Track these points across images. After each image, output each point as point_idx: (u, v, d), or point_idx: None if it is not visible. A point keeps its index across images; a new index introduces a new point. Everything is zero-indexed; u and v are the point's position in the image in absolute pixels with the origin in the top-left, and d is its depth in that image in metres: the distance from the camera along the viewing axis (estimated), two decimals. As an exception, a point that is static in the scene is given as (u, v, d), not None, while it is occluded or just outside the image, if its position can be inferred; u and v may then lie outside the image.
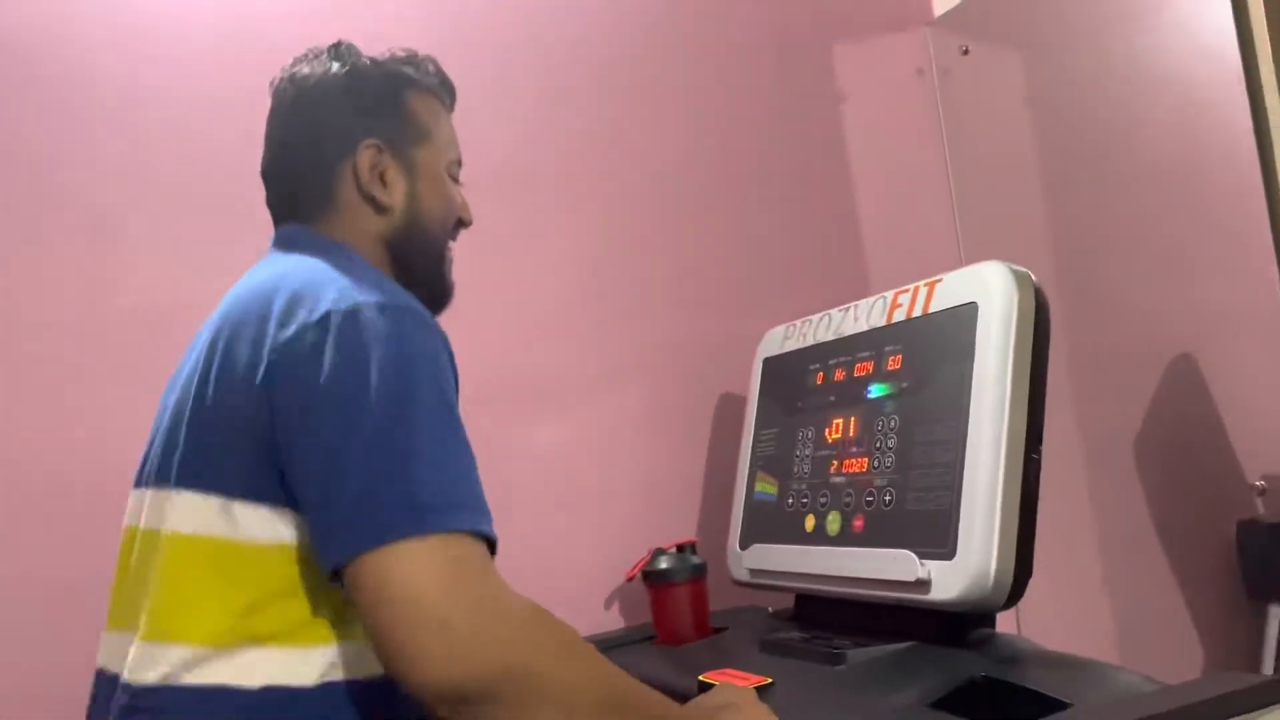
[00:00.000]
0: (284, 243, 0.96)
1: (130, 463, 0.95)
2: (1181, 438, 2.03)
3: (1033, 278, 1.00)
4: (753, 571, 1.28)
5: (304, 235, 0.95)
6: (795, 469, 1.25)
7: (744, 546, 1.31)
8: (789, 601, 1.31)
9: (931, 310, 1.08)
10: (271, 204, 1.00)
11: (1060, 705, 0.84)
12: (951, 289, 1.06)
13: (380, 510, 0.73)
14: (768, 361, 1.37)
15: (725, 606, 1.43)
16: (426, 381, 0.79)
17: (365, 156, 0.95)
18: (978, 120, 1.86)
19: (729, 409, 1.64)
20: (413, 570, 0.71)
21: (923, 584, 0.99)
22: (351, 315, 0.79)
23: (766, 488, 1.30)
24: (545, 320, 1.57)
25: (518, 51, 1.59)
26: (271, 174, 0.99)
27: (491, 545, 0.77)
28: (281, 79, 0.99)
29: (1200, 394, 2.07)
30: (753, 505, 1.32)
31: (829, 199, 1.80)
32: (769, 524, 1.27)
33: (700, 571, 1.37)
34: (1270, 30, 1.19)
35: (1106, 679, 0.89)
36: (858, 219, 1.81)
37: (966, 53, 1.81)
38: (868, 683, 0.97)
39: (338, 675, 0.80)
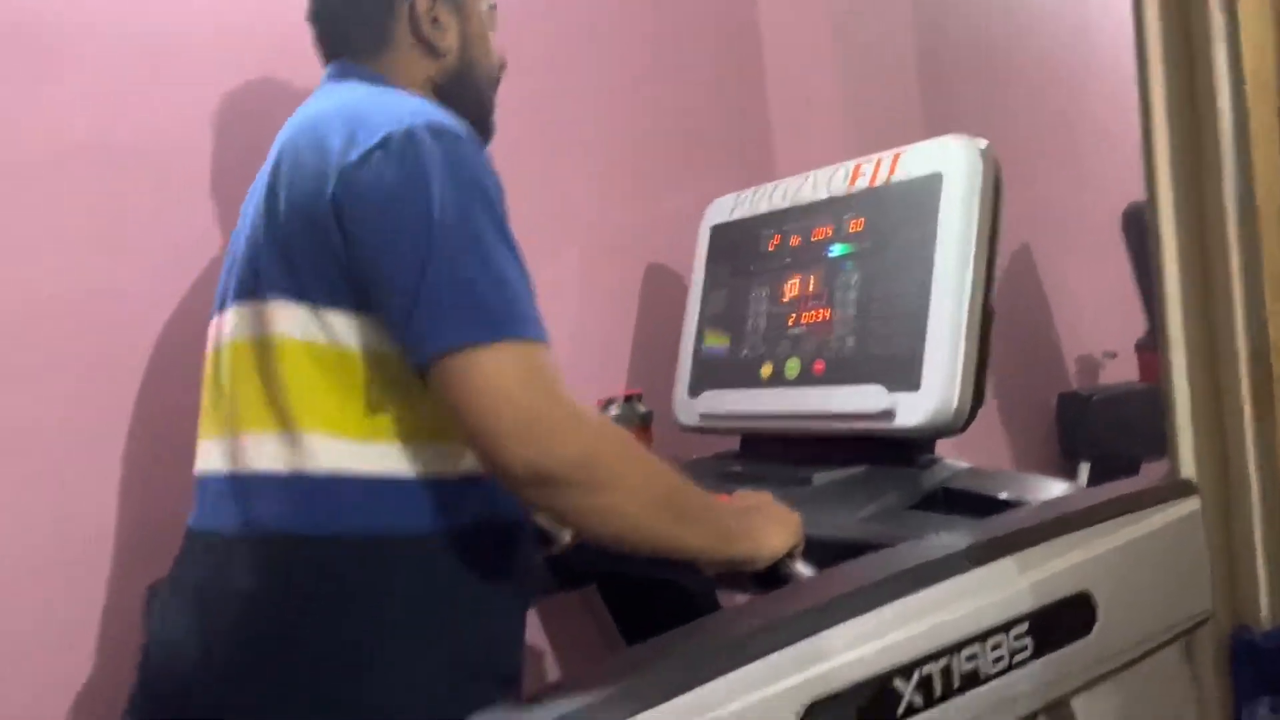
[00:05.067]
0: (337, 75, 0.98)
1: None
2: (1017, 322, 2.32)
3: (992, 152, 1.16)
4: (704, 416, 1.41)
5: (355, 69, 0.97)
6: (749, 324, 1.38)
7: (694, 395, 1.44)
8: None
9: (895, 180, 1.22)
10: (321, 42, 1.01)
11: (1013, 505, 1.02)
12: (915, 160, 1.20)
13: (456, 319, 0.80)
14: (715, 229, 1.48)
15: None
16: (482, 201, 0.85)
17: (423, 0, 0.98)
18: (868, 15, 2.00)
19: (657, 278, 1.75)
20: (497, 372, 0.79)
21: (888, 414, 1.15)
22: (409, 136, 0.84)
23: (717, 341, 1.42)
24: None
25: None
26: (323, 13, 1.01)
27: None
28: None
29: (1034, 283, 2.37)
30: (702, 357, 1.44)
31: (740, 85, 1.91)
32: (721, 373, 1.40)
33: (649, 419, 1.49)
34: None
35: (1042, 485, 1.08)
36: (766, 104, 1.93)
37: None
38: (841, 498, 1.13)
39: (438, 470, 0.87)
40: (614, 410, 1.47)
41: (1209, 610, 0.98)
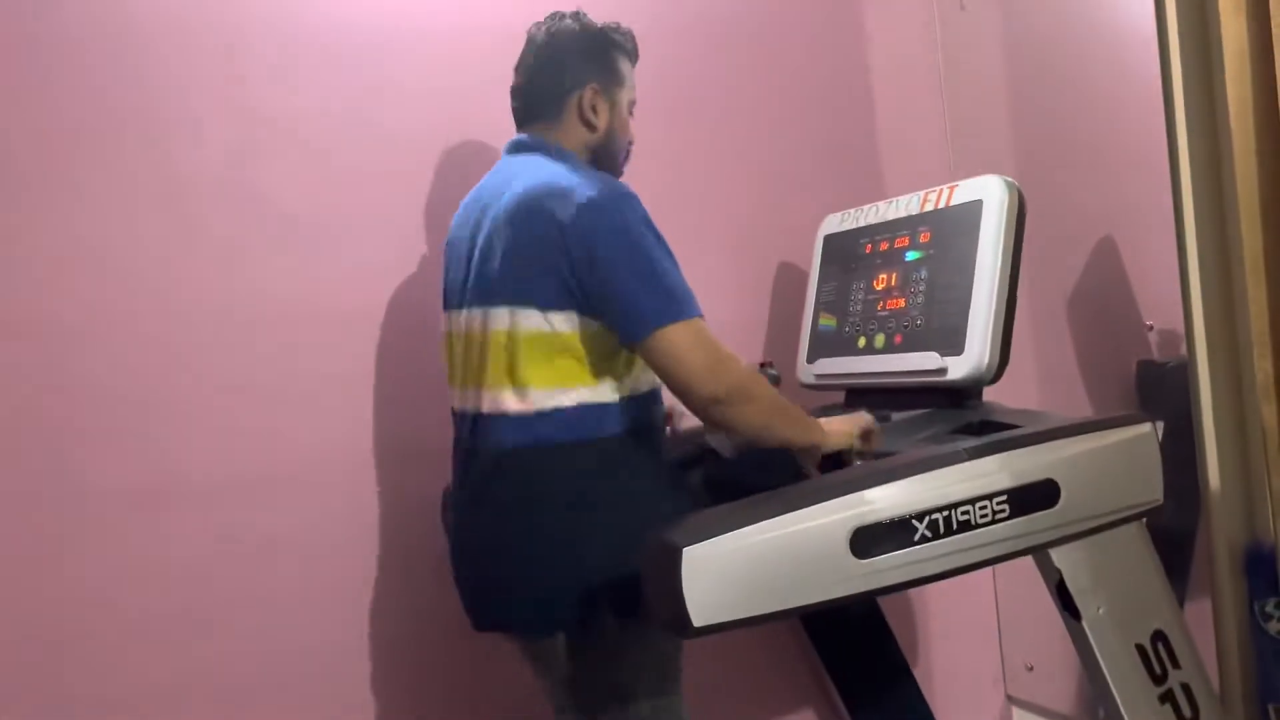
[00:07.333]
0: (518, 148, 1.53)
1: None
2: (1101, 299, 2.69)
3: (1017, 186, 1.62)
4: (818, 376, 1.93)
5: (536, 141, 1.51)
6: (851, 308, 1.88)
7: (811, 361, 1.95)
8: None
9: (952, 204, 1.70)
10: (516, 111, 1.56)
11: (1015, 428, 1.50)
12: (965, 190, 1.68)
13: (658, 308, 1.35)
14: (827, 237, 1.99)
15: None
16: (654, 235, 1.40)
17: (589, 93, 1.51)
18: (969, 61, 2.43)
19: (785, 272, 2.26)
20: (684, 340, 1.35)
21: (941, 371, 1.64)
22: (608, 198, 1.38)
23: (828, 321, 1.93)
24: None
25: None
26: (522, 91, 1.55)
27: None
28: (538, 27, 1.54)
29: (1116, 267, 2.73)
30: (817, 334, 1.96)
31: (854, 119, 2.39)
32: (830, 344, 1.91)
33: (778, 381, 2.01)
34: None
35: (1047, 417, 1.55)
36: (875, 134, 2.41)
37: (963, 8, 2.38)
38: (909, 429, 1.63)
39: (617, 396, 1.44)
40: (752, 373, 2.00)
41: (1158, 500, 1.43)
